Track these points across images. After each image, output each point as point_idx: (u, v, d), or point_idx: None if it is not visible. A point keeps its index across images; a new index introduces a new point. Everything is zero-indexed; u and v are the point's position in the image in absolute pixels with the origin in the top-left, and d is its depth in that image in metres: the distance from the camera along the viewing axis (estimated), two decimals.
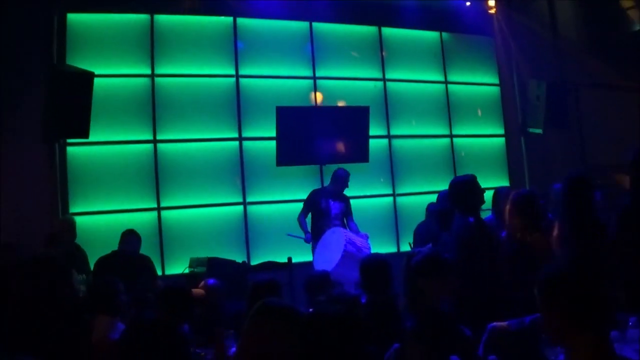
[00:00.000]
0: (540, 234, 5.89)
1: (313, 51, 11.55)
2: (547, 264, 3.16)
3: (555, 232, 5.83)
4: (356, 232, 9.42)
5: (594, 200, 5.85)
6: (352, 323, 3.40)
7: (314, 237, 9.52)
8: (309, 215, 9.87)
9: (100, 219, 9.66)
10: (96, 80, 8.79)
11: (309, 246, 9.70)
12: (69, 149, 9.65)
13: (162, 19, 10.49)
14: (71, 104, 8.50)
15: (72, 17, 9.83)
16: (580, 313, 2.83)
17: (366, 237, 9.18)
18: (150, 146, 10.21)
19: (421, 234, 8.43)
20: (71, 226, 8.48)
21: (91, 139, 8.91)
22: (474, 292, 5.45)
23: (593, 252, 5.40)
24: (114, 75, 9.98)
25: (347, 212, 9.89)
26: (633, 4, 12.53)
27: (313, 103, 11.43)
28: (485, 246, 5.79)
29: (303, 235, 9.67)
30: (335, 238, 8.78)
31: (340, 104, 11.54)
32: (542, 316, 2.98)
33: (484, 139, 12.81)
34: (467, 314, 4.91)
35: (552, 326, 2.91)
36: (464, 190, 6.06)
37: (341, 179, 9.87)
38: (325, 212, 9.67)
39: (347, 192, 10.05)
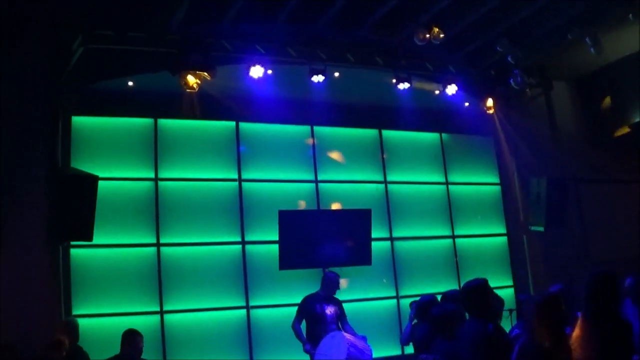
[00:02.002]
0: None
1: (315, 154, 11.71)
2: None
3: (577, 331, 5.69)
4: (353, 334, 9.25)
5: (619, 299, 5.69)
6: None
7: (310, 343, 9.24)
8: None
9: (103, 321, 9.57)
10: (100, 183, 8.90)
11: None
12: (72, 250, 9.64)
13: (166, 123, 10.67)
14: (75, 207, 8.60)
15: (77, 120, 9.96)
16: None
17: (364, 339, 9.07)
18: (153, 249, 10.22)
19: (418, 339, 8.11)
20: (74, 328, 8.40)
21: (95, 241, 8.95)
22: None
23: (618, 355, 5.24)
24: (118, 178, 10.10)
25: (341, 314, 9.69)
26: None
27: (315, 206, 11.49)
28: (504, 355, 5.57)
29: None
30: (336, 342, 8.66)
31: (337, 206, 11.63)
32: None
33: (486, 238, 12.81)
34: None
35: None
36: (479, 295, 5.82)
37: (332, 282, 9.70)
38: (321, 317, 9.43)
39: (350, 295, 9.95)
